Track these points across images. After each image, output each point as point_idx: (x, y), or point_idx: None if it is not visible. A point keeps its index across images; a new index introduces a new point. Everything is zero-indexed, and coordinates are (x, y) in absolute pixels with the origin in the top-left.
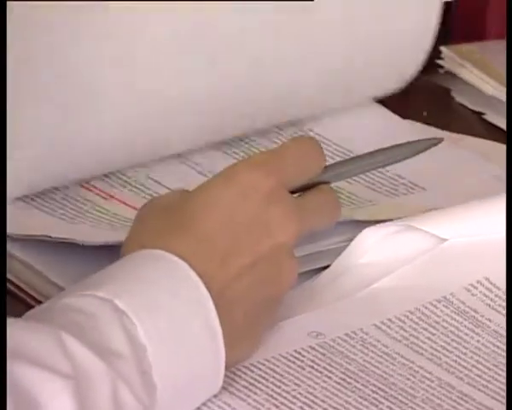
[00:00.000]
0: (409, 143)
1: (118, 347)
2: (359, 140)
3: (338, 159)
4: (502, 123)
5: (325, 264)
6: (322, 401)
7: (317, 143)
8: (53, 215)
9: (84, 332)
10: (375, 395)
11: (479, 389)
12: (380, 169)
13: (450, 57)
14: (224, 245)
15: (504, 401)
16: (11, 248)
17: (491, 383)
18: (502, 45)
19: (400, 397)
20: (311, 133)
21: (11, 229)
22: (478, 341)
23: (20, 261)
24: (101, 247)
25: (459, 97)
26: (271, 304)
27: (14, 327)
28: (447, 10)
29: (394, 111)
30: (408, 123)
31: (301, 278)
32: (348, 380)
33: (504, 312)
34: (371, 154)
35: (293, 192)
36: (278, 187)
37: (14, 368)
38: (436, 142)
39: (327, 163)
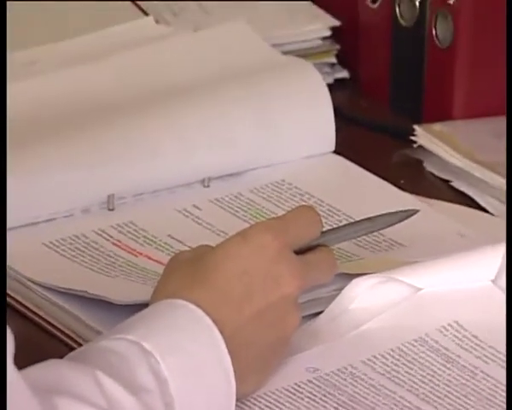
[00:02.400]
0: (391, 213)
1: (145, 382)
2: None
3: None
4: (466, 189)
5: (320, 309)
6: None
7: (315, 212)
8: (91, 269)
9: (116, 370)
10: None
11: None
12: None
13: (423, 134)
14: (238, 295)
15: None
16: (56, 298)
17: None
18: (465, 123)
19: None
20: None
21: (57, 282)
22: (449, 374)
23: (64, 310)
24: None
25: (430, 167)
26: (278, 346)
27: (58, 367)
28: (419, 94)
29: None
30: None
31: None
32: (340, 409)
33: (472, 350)
34: (360, 222)
35: (297, 253)
36: (284, 248)
37: (58, 401)
38: (414, 212)
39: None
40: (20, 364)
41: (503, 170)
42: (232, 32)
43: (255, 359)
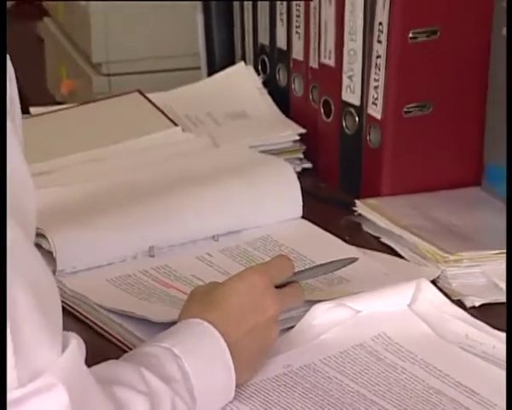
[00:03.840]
0: (340, 260)
1: (174, 375)
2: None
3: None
4: (390, 243)
5: (293, 324)
6: (290, 406)
7: (289, 258)
8: (138, 297)
9: (154, 367)
10: (321, 403)
11: (380, 397)
12: None
13: (361, 206)
14: (237, 316)
15: (399, 406)
16: (115, 317)
17: (387, 393)
18: (390, 199)
19: (337, 403)
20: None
21: (115, 305)
22: (379, 369)
23: (120, 325)
24: None
25: (366, 228)
26: (264, 350)
27: (115, 365)
28: (358, 179)
29: None
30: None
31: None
32: (306, 393)
33: (394, 352)
34: (319, 266)
35: (277, 287)
36: (269, 284)
37: (115, 388)
38: (355, 259)
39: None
40: (90, 362)
41: (416, 230)
42: (232, 149)
43: (248, 359)
